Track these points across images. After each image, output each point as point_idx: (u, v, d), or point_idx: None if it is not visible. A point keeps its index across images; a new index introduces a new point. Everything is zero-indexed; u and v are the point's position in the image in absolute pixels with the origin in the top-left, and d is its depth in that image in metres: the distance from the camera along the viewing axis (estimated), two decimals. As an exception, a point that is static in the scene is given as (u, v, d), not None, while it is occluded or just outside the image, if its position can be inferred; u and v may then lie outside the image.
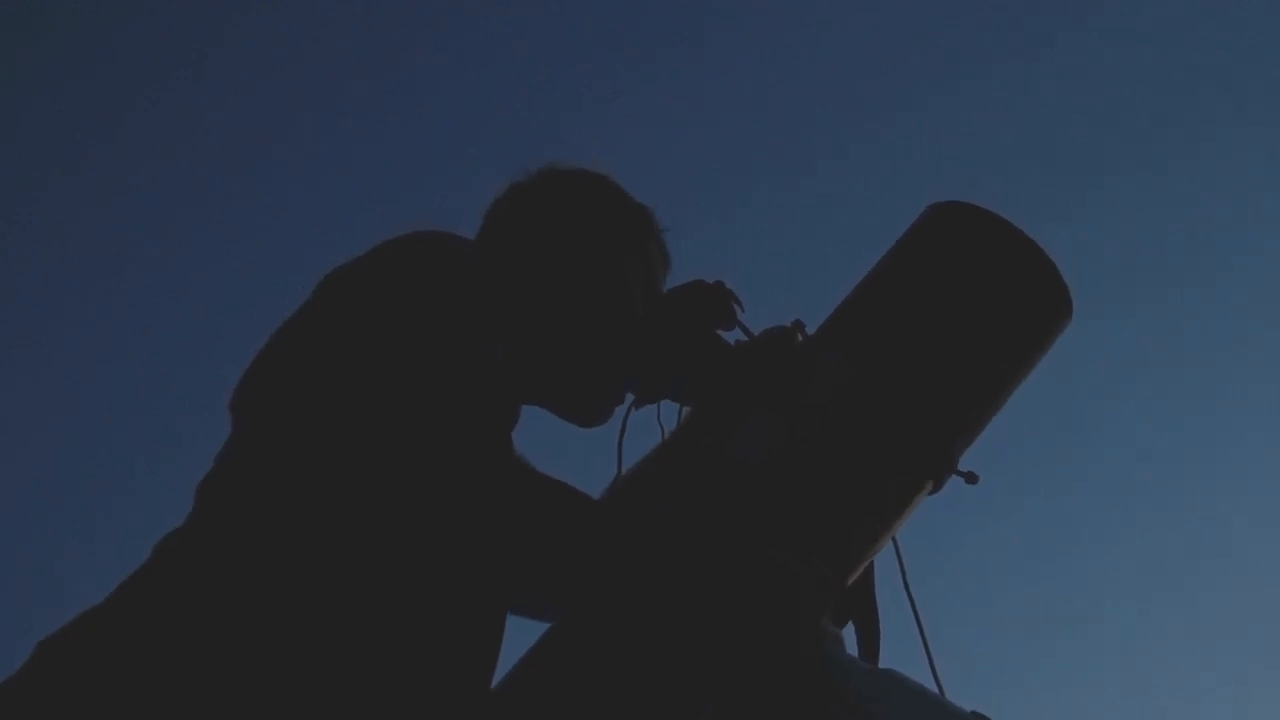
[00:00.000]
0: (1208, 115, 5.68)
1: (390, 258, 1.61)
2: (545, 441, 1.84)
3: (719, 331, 1.87)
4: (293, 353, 1.59)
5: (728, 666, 1.58)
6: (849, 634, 1.84)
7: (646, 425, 1.92)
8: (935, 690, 1.79)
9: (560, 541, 1.51)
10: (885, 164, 5.76)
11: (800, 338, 1.84)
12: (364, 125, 5.83)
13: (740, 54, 5.90)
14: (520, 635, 1.70)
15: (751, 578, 1.53)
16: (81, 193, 5.72)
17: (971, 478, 1.85)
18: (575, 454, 1.90)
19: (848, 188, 5.81)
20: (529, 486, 1.51)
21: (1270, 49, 5.50)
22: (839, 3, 5.91)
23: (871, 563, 1.86)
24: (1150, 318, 5.69)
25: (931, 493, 1.84)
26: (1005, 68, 5.75)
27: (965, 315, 1.83)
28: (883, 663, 1.85)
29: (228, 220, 5.77)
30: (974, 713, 1.69)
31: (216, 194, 5.77)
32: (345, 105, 5.82)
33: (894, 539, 1.86)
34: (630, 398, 1.92)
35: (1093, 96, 5.77)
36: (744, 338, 1.87)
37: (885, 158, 5.77)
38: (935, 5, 5.80)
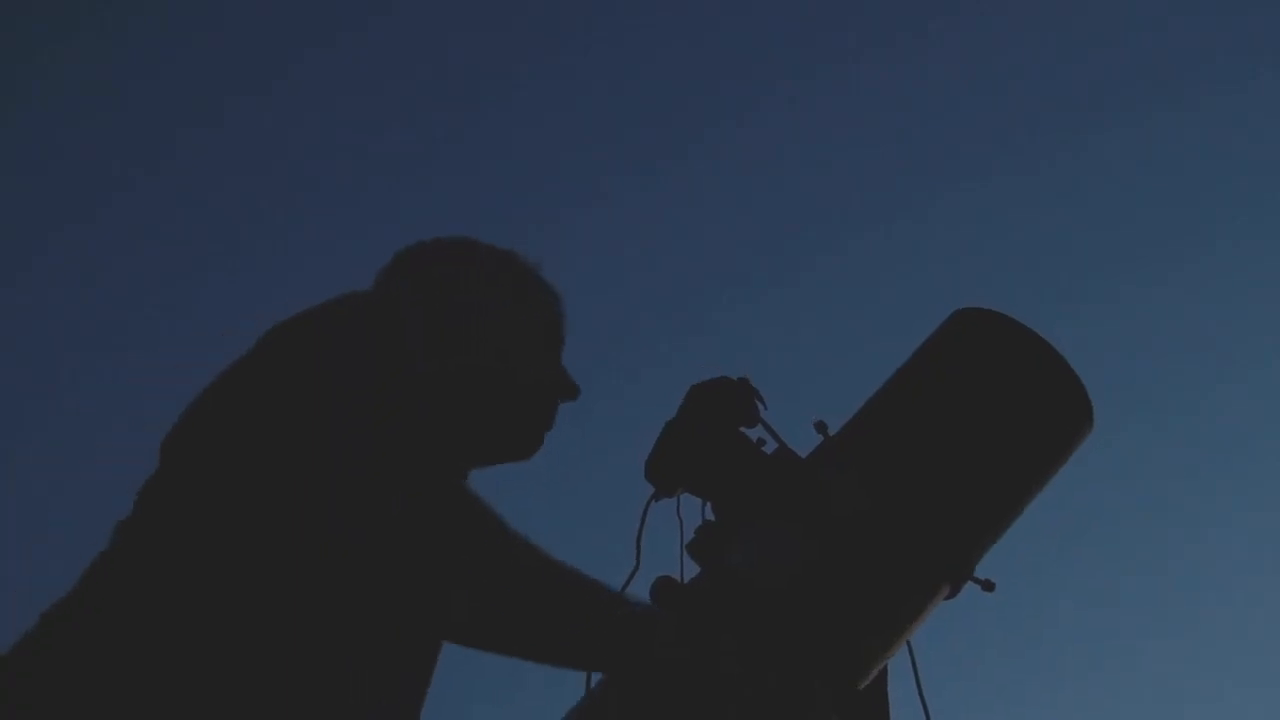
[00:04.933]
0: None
1: (319, 327, 1.74)
2: (564, 533, 1.87)
3: (743, 429, 1.89)
4: (221, 407, 1.72)
5: None
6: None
7: (666, 517, 1.93)
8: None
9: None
10: (909, 259, 5.79)
11: (822, 439, 1.86)
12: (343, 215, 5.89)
13: (762, 148, 5.97)
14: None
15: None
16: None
17: (988, 585, 1.85)
18: (594, 545, 1.92)
19: (871, 283, 5.84)
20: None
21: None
22: (866, 101, 5.98)
23: (885, 667, 1.85)
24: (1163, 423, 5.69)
25: (948, 598, 1.85)
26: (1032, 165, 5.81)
27: (987, 429, 1.84)
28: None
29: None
30: None
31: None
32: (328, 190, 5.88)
33: (908, 643, 1.86)
34: (651, 489, 1.93)
35: (1103, 203, 5.82)
36: (767, 436, 1.88)
37: (910, 253, 5.81)
38: (959, 108, 5.86)
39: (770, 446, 1.89)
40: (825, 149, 5.91)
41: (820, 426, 1.86)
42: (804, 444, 1.89)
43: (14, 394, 5.56)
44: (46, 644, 1.63)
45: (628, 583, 1.83)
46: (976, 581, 1.85)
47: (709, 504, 1.90)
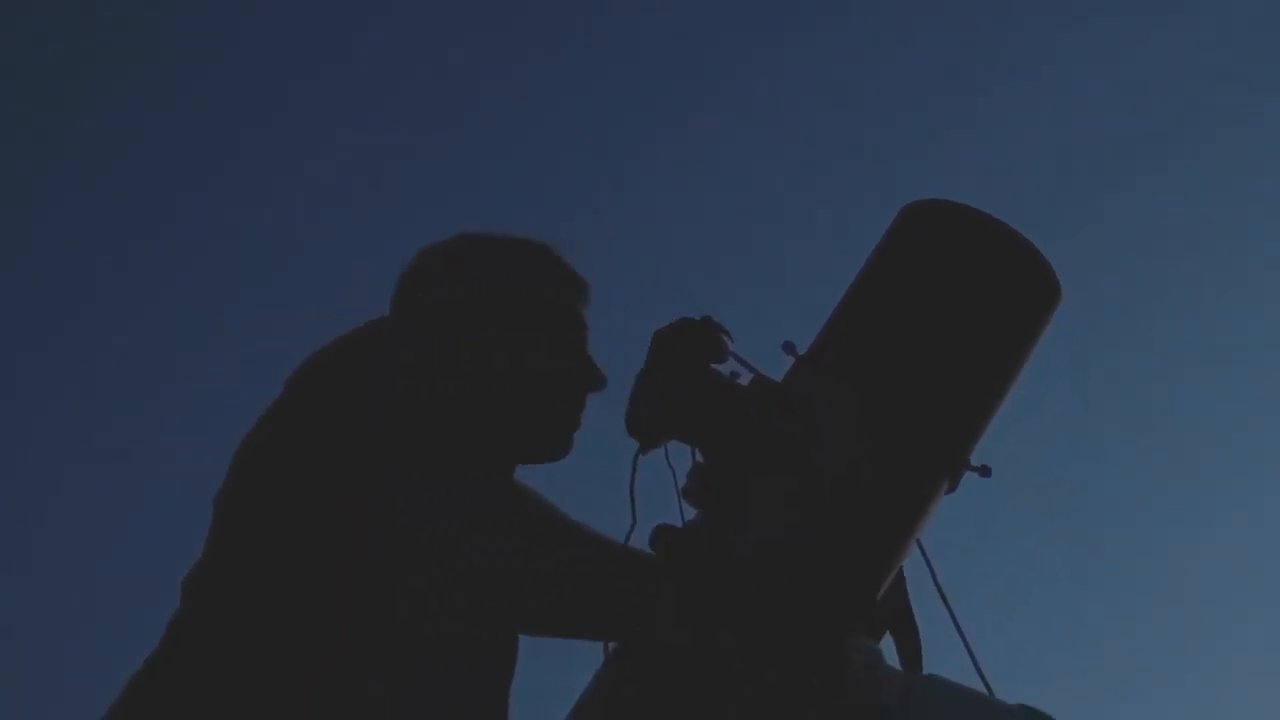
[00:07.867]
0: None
1: (331, 366, 1.82)
2: (558, 493, 1.87)
3: (714, 366, 1.87)
4: (261, 456, 1.77)
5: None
6: (889, 646, 1.84)
7: (658, 467, 1.92)
8: (982, 689, 1.79)
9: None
10: (859, 173, 5.82)
11: (792, 359, 1.85)
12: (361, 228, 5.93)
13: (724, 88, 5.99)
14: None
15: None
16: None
17: (985, 471, 1.85)
18: (589, 500, 1.91)
19: (824, 196, 5.85)
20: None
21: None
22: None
23: (901, 570, 1.86)
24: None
25: (948, 492, 1.85)
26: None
27: (956, 317, 1.83)
28: (926, 667, 1.85)
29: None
30: (1020, 705, 1.69)
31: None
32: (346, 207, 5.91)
33: (918, 542, 1.86)
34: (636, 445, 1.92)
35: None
36: (739, 368, 1.87)
37: (861, 165, 5.83)
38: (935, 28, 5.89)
39: (745, 379, 1.88)
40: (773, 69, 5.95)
41: (789, 348, 1.85)
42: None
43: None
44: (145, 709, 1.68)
45: (627, 539, 1.82)
46: (973, 469, 1.85)
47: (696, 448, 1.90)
